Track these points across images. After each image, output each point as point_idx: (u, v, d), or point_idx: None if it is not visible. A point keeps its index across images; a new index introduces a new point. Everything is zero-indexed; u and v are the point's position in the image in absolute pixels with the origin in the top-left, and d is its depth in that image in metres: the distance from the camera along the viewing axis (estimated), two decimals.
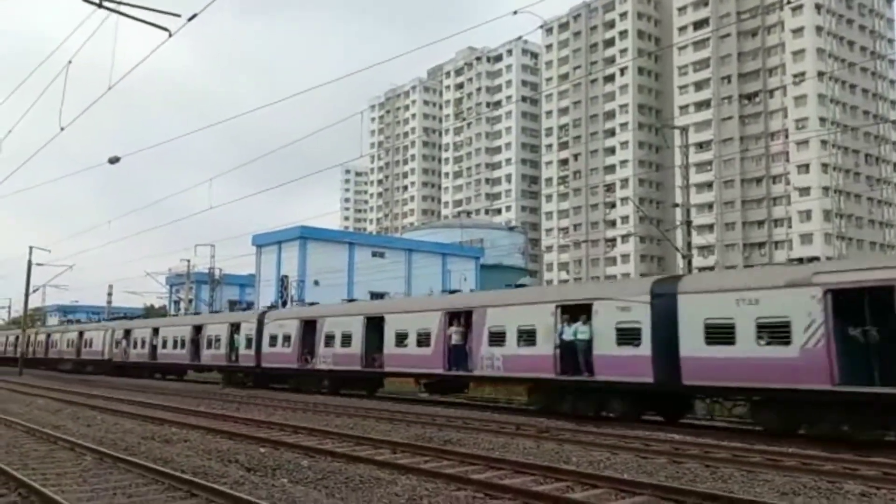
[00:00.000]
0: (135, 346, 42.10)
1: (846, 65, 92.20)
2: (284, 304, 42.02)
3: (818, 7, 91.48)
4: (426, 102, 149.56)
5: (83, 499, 8.75)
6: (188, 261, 64.07)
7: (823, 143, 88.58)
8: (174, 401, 24.83)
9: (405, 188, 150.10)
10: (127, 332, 43.23)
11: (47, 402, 24.08)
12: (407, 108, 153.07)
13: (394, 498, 9.12)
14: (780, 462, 12.12)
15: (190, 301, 62.66)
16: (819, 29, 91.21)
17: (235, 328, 32.81)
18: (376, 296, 37.68)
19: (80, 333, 49.98)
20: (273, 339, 30.24)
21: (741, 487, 10.03)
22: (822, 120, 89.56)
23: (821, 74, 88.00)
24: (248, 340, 31.68)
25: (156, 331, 40.31)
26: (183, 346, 36.76)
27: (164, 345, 38.74)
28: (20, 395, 28.10)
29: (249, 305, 45.36)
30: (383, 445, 13.72)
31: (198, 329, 36.17)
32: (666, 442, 14.48)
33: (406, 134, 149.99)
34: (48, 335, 57.64)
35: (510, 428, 16.72)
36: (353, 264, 61.81)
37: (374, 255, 64.65)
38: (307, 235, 60.74)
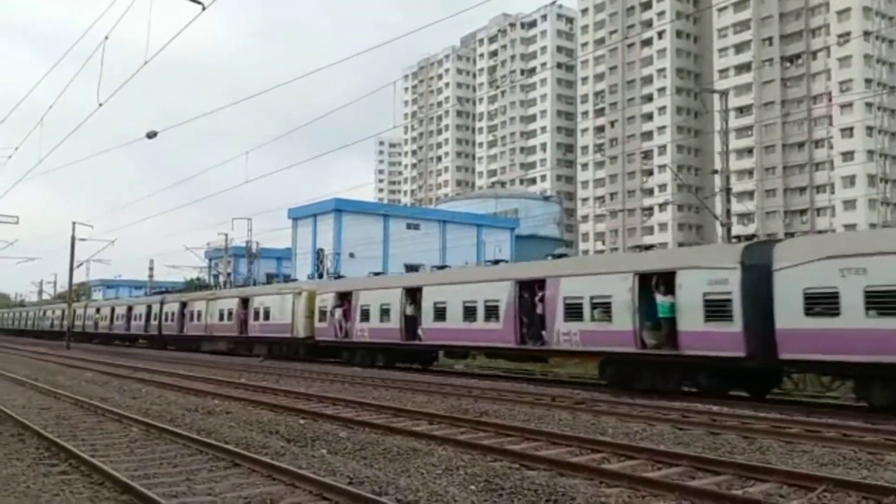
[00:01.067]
0: (197, 319, 41.69)
1: (894, 23, 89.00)
2: (321, 276, 42.41)
3: None
4: (459, 71, 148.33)
5: (131, 468, 9.02)
6: (226, 235, 65.04)
7: (868, 105, 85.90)
8: (217, 373, 25.39)
9: (439, 159, 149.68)
10: (183, 305, 43.83)
11: (95, 375, 24.78)
12: (440, 77, 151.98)
13: (430, 468, 9.23)
14: (819, 433, 11.99)
15: (228, 275, 63.62)
16: None
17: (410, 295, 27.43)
18: (411, 268, 37.66)
19: (152, 305, 48.52)
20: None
21: (779, 458, 9.96)
22: (868, 81, 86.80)
23: (867, 34, 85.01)
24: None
25: (245, 301, 37.24)
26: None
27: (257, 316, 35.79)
28: (69, 368, 28.94)
29: (287, 278, 45.89)
30: (420, 417, 13.88)
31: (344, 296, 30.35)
32: (704, 413, 14.40)
33: (440, 104, 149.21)
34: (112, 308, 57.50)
35: (546, 399, 16.76)
36: (387, 236, 62.05)
37: (408, 226, 64.79)
38: (342, 208, 61.04)
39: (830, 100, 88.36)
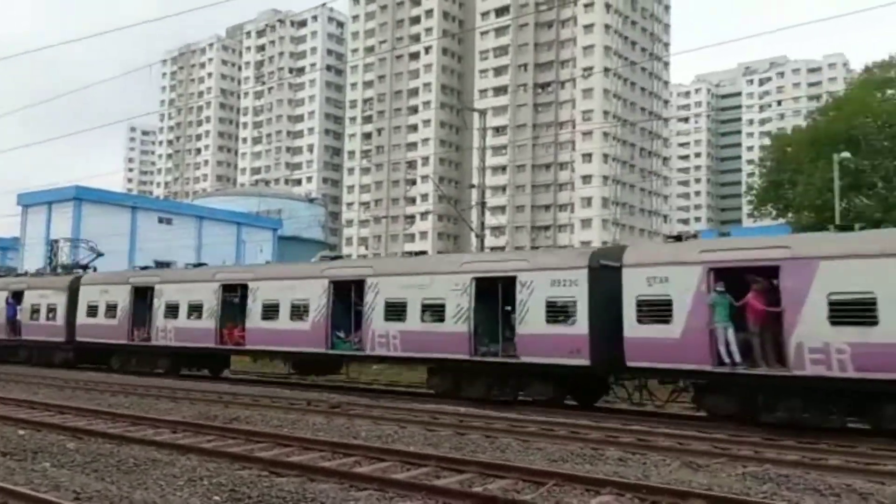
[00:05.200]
0: None
1: (628, 63, 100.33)
2: (54, 269, 38.10)
3: (608, 6, 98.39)
4: (224, 62, 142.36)
5: None
6: None
7: (605, 134, 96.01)
8: None
9: (198, 151, 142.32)
10: None
11: None
12: (203, 65, 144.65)
13: (171, 479, 8.66)
14: (553, 431, 13.03)
15: None
16: (607, 27, 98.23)
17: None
18: (161, 265, 34.95)
19: None
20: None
21: (517, 456, 10.65)
22: (606, 113, 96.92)
23: (606, 70, 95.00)
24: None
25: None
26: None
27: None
28: None
29: (9, 271, 40.73)
30: (162, 425, 13.01)
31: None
32: (453, 415, 15.05)
33: (201, 94, 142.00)
34: None
35: (301, 404, 16.53)
36: (135, 229, 57.66)
37: (160, 220, 60.73)
38: (83, 196, 55.69)
39: (574, 127, 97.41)
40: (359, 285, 19.69)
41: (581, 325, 15.97)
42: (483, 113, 38.93)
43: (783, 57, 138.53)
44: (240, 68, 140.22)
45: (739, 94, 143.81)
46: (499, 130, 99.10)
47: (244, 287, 22.34)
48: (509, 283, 17.14)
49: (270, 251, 66.53)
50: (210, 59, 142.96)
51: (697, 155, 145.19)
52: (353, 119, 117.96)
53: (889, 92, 38.87)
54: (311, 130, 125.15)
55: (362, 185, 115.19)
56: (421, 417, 14.60)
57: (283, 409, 15.78)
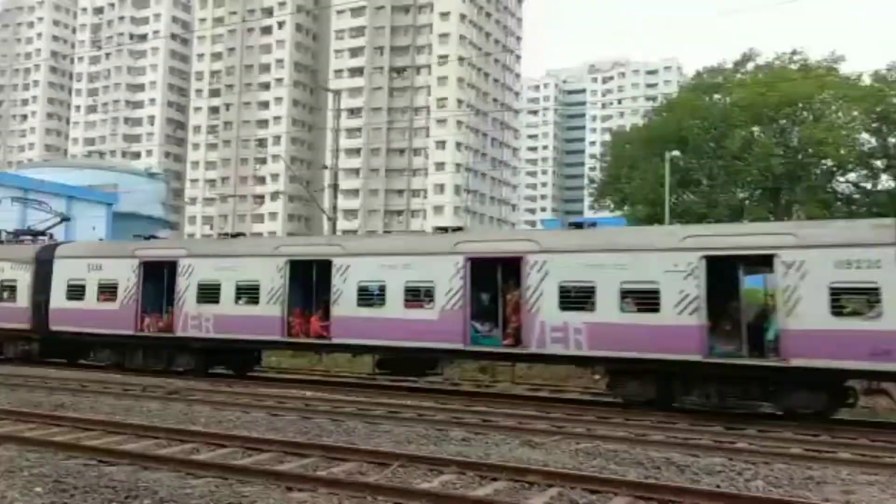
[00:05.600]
0: None
1: (483, 53, 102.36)
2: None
3: None
4: (56, 23, 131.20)
5: None
6: None
7: (459, 123, 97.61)
8: None
9: (24, 118, 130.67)
10: None
11: None
12: (32, 25, 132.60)
13: None
14: (399, 414, 13.18)
15: None
16: (463, 17, 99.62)
17: None
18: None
19: None
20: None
21: (362, 439, 10.68)
22: (460, 101, 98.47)
23: (461, 59, 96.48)
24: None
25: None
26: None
27: None
28: None
29: None
30: None
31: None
32: (298, 399, 14.85)
33: (29, 55, 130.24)
34: None
35: (135, 390, 15.70)
36: None
37: None
38: None
39: (429, 113, 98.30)
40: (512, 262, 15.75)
41: None
42: (338, 94, 38.45)
43: (625, 58, 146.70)
44: (74, 30, 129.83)
45: (584, 90, 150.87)
46: (353, 112, 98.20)
47: (324, 264, 17.64)
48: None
49: (104, 228, 62.40)
50: (40, 19, 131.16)
51: (545, 147, 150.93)
52: (199, 92, 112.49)
53: (716, 97, 42.15)
54: (152, 101, 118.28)
55: (208, 161, 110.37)
56: (265, 402, 14.30)
57: (116, 395, 14.93)
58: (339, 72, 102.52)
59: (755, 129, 39.27)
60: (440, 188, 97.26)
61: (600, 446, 10.21)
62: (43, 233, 25.08)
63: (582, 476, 8.31)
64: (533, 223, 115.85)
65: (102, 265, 20.50)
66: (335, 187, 32.94)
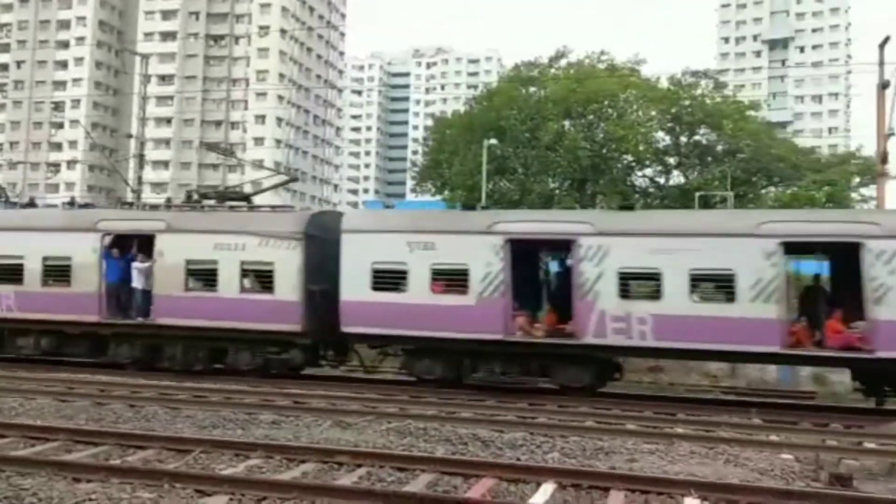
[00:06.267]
0: None
1: (306, 27, 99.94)
2: None
3: None
4: None
5: None
6: None
7: (280, 98, 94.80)
8: None
9: None
10: None
11: None
12: None
13: None
14: (205, 398, 12.62)
15: None
16: None
17: None
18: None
19: None
20: None
21: (163, 425, 10.13)
22: (282, 76, 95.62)
23: (283, 32, 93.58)
24: None
25: None
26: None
27: None
28: None
29: None
30: None
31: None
32: (92, 384, 13.82)
33: None
34: None
35: None
36: None
37: None
38: None
39: (248, 85, 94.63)
40: None
41: None
42: (146, 58, 35.90)
43: (449, 46, 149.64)
44: None
45: (409, 74, 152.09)
46: (165, 79, 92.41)
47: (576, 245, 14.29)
48: None
49: None
50: None
51: (369, 128, 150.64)
52: None
53: (532, 89, 44.01)
54: None
55: None
56: (54, 388, 13.16)
57: None
58: (149, 34, 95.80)
59: (566, 122, 41.45)
60: (259, 165, 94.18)
61: (411, 425, 10.36)
62: (248, 196, 19.71)
63: (390, 455, 8.40)
64: (355, 204, 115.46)
65: (436, 244, 15.08)
66: (141, 157, 30.85)
